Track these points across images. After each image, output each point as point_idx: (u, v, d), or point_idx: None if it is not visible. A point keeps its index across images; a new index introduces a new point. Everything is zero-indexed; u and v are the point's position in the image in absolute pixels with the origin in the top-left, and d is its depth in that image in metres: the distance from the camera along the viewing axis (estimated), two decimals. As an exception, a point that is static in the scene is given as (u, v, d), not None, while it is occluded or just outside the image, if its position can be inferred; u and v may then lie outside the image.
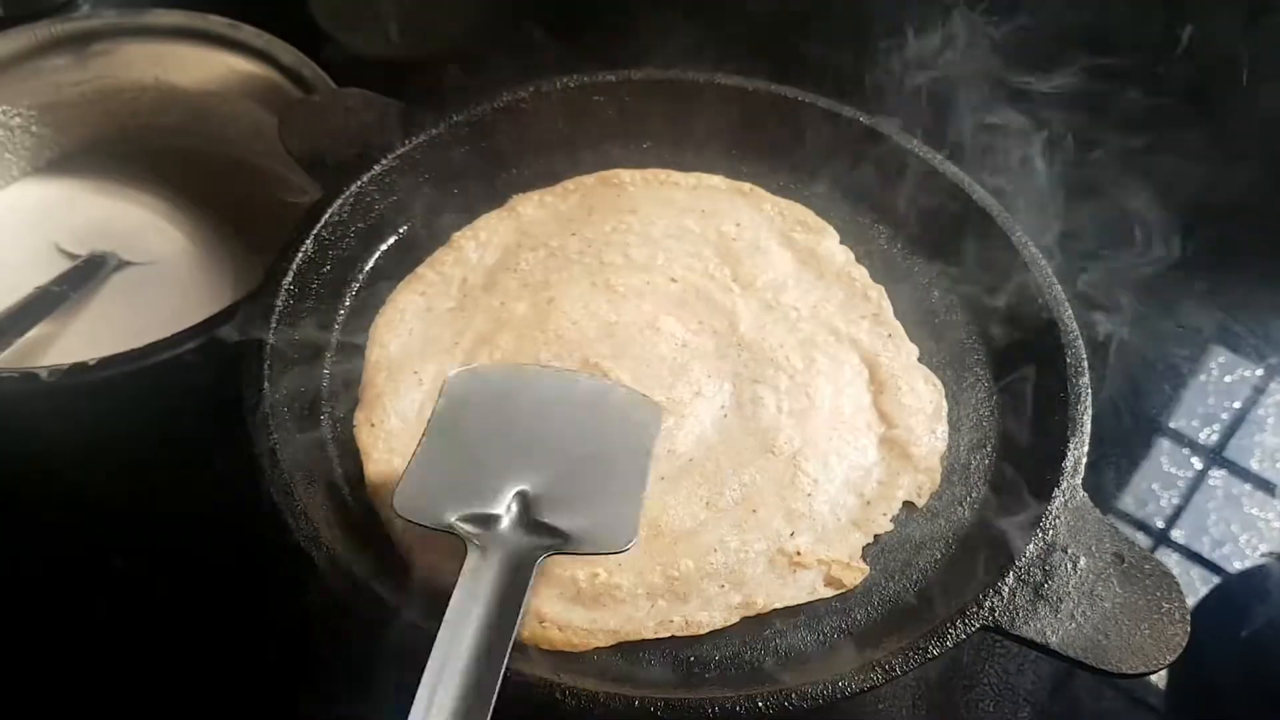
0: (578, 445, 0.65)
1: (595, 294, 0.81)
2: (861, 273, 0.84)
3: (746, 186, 0.89)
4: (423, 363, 0.77)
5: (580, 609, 0.66)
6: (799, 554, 0.68)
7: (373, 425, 0.74)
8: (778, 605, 0.67)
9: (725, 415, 0.75)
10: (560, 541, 0.60)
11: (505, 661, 0.54)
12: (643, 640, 0.65)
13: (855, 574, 0.68)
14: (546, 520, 0.61)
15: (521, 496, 0.62)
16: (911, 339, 0.80)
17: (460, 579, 0.57)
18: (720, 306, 0.81)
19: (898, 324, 0.81)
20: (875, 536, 0.70)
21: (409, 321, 0.80)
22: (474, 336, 0.79)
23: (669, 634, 0.65)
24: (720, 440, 0.74)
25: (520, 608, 0.56)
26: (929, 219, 0.86)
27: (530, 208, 0.87)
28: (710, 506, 0.70)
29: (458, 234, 0.85)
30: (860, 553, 0.70)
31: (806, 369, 0.77)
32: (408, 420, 0.74)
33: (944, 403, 0.77)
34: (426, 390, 0.75)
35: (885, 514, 0.71)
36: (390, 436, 0.73)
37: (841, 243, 0.86)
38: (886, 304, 0.82)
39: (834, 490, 0.72)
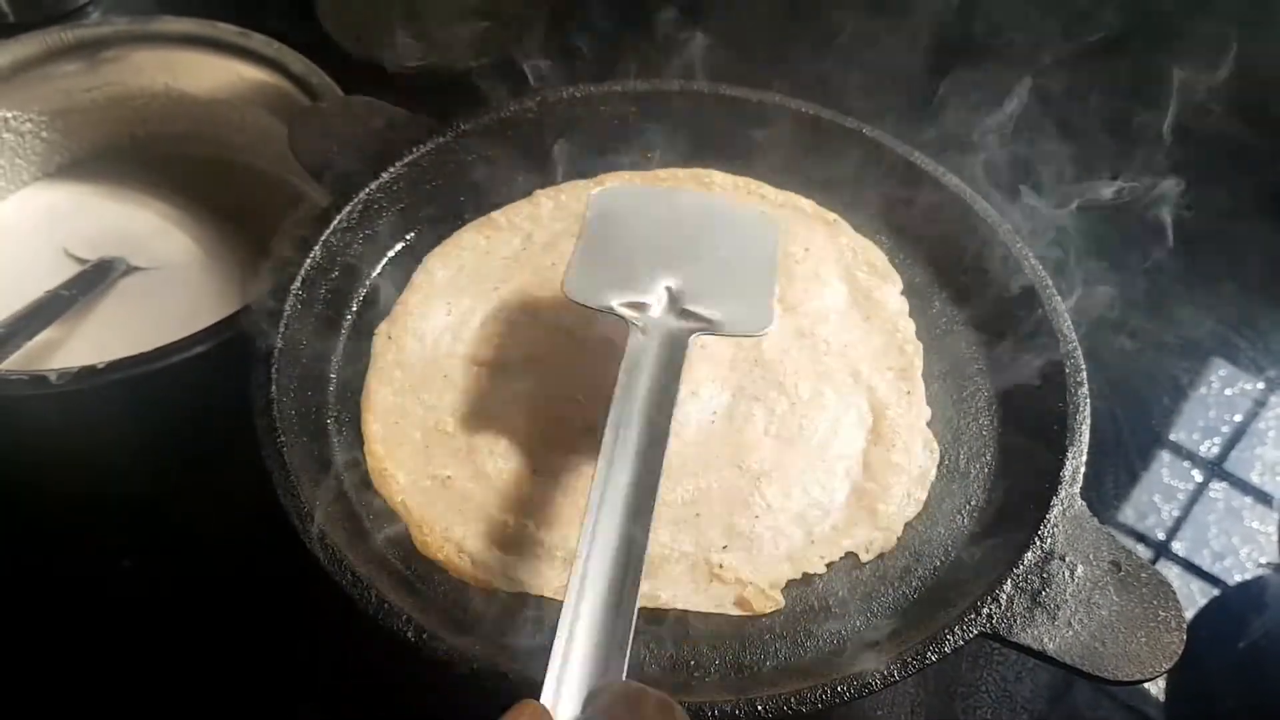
0: (712, 250, 0.74)
1: None
2: (909, 326, 0.83)
3: (832, 217, 0.89)
4: (458, 296, 0.81)
5: (497, 550, 0.69)
6: (721, 568, 0.69)
7: (389, 338, 0.79)
8: (681, 607, 0.67)
9: (713, 421, 0.75)
10: (707, 325, 0.69)
11: (669, 428, 0.62)
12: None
13: (768, 603, 0.68)
14: (693, 309, 0.69)
15: (668, 290, 0.70)
16: (935, 402, 0.79)
17: (625, 357, 0.66)
18: None
19: (921, 384, 0.79)
20: (804, 575, 0.70)
21: (464, 258, 0.84)
22: (514, 287, 0.82)
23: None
24: (696, 442, 0.74)
25: (678, 380, 0.64)
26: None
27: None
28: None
29: (541, 190, 0.88)
30: (783, 584, 0.69)
31: (810, 400, 0.77)
32: (424, 341, 0.78)
33: (934, 471, 0.75)
34: (451, 321, 0.80)
35: (823, 557, 0.70)
36: (401, 351, 0.78)
37: (902, 294, 0.85)
38: (919, 362, 0.80)
39: (783, 520, 0.71)
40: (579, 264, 0.72)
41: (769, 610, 0.68)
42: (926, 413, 0.78)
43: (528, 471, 0.72)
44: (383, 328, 0.79)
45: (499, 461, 0.72)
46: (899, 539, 0.72)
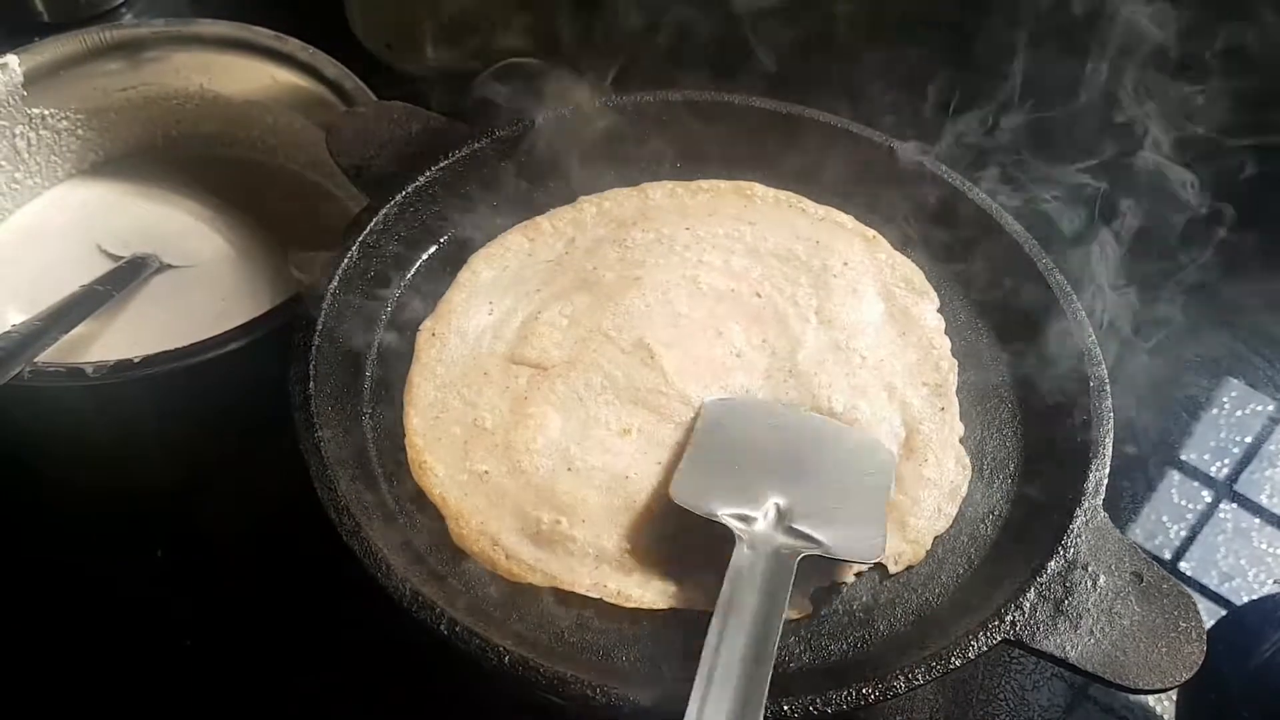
0: (824, 471, 0.73)
1: (679, 286, 0.83)
2: (944, 344, 0.83)
3: (871, 233, 0.89)
4: (501, 296, 0.83)
5: (530, 545, 0.70)
6: None
7: (433, 335, 0.80)
8: (707, 609, 0.67)
9: None
10: (814, 545, 0.67)
11: (775, 646, 0.60)
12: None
13: (795, 611, 0.69)
14: (800, 528, 0.68)
15: (777, 507, 0.69)
16: (965, 418, 0.80)
17: (730, 569, 0.64)
18: (790, 331, 0.82)
19: (956, 401, 0.80)
20: (833, 583, 0.70)
21: (508, 259, 0.86)
22: (556, 290, 0.83)
23: (599, 597, 0.68)
24: None
25: (785, 599, 0.63)
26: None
27: (659, 194, 0.91)
28: None
29: (584, 197, 0.89)
30: (811, 592, 0.70)
31: (844, 413, 0.77)
32: (466, 339, 0.80)
33: (965, 488, 0.76)
34: (493, 321, 0.82)
35: (853, 568, 0.71)
36: (443, 348, 0.80)
37: (939, 310, 0.85)
38: (954, 378, 0.81)
39: None
40: (687, 467, 0.72)
41: (800, 616, 0.69)
42: (960, 429, 0.78)
43: (563, 469, 0.73)
44: (427, 324, 0.81)
45: (535, 459, 0.73)
46: (927, 551, 0.72)
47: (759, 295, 0.84)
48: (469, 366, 0.78)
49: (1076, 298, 0.80)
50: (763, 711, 0.57)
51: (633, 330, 0.80)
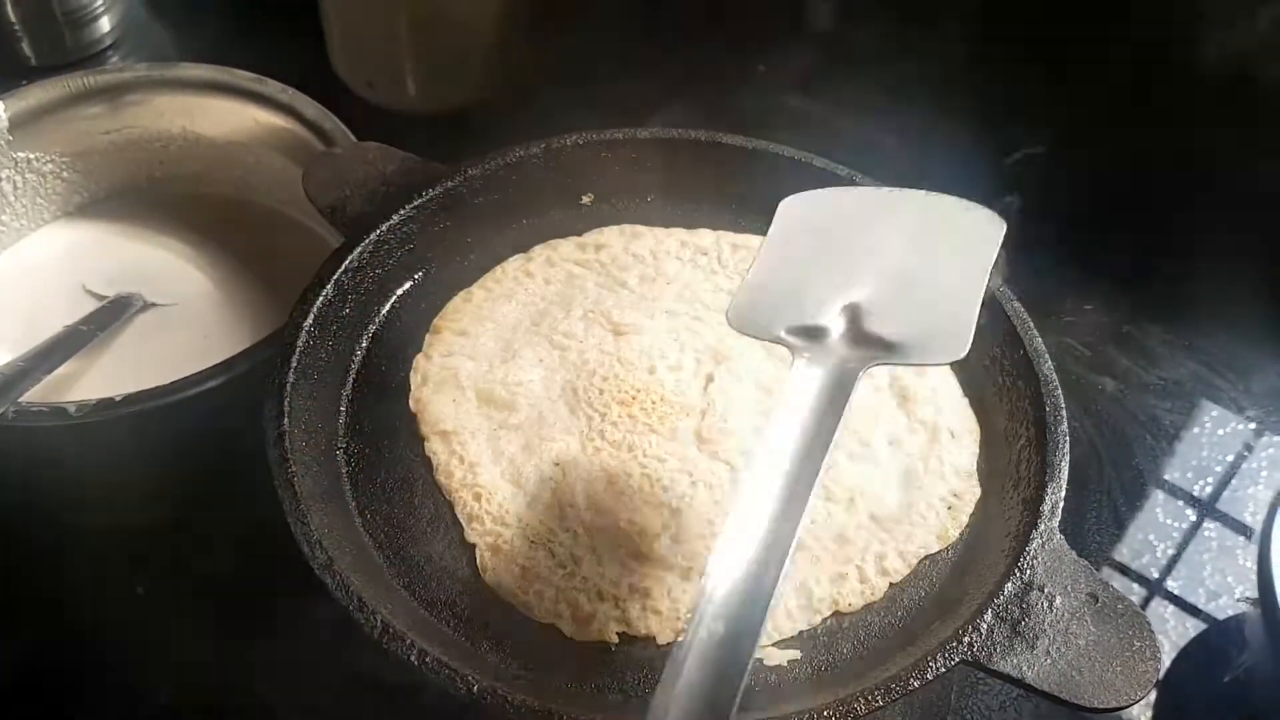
0: (911, 257, 0.63)
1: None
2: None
3: None
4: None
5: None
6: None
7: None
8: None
9: None
10: (887, 352, 0.59)
11: (823, 468, 0.55)
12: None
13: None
14: (875, 331, 0.60)
15: (851, 309, 0.61)
16: None
17: (784, 390, 0.58)
18: None
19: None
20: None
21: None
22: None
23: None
24: None
25: (840, 418, 0.56)
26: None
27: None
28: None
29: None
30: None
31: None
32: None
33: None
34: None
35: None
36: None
37: None
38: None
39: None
40: (747, 288, 0.64)
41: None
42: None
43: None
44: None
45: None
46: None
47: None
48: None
49: (1033, 324, 0.82)
50: (797, 533, 0.53)
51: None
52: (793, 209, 0.67)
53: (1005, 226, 0.64)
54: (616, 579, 0.71)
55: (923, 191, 0.67)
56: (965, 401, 0.82)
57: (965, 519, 0.76)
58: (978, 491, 0.77)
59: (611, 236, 0.92)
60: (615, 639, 0.69)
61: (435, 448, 0.78)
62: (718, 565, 0.52)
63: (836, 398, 0.57)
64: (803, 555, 0.73)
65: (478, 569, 0.72)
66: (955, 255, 0.63)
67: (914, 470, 0.78)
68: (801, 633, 0.71)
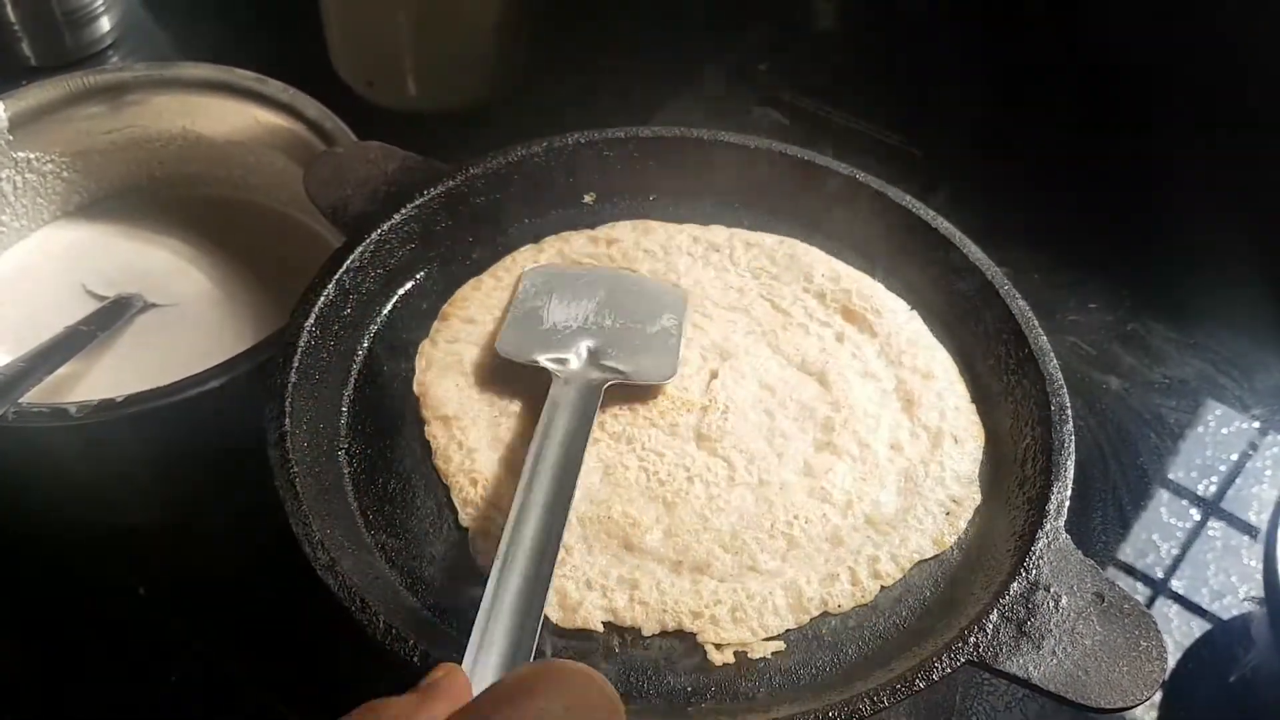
0: (628, 316, 0.84)
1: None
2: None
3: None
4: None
5: None
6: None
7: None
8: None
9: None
10: (620, 374, 0.78)
11: (582, 462, 0.70)
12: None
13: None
14: (608, 363, 0.79)
15: (588, 349, 0.80)
16: None
17: (547, 402, 0.75)
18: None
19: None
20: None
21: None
22: None
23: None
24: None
25: (592, 421, 0.73)
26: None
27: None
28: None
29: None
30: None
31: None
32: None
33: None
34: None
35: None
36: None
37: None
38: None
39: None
40: (510, 326, 0.83)
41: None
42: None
43: None
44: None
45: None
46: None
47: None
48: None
49: (1038, 323, 0.81)
50: (570, 505, 0.67)
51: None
52: (535, 276, 0.87)
53: (687, 294, 0.86)
54: (606, 569, 0.71)
55: (630, 274, 0.88)
56: (972, 407, 0.82)
57: (963, 525, 0.76)
58: (978, 498, 0.77)
59: (624, 231, 0.92)
60: (600, 628, 0.69)
61: (435, 431, 0.78)
62: (501, 549, 0.65)
63: (589, 405, 0.75)
64: (795, 554, 0.73)
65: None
66: (659, 314, 0.84)
67: (913, 474, 0.77)
68: (789, 631, 0.70)
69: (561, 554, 0.71)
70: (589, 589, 0.70)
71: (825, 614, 0.71)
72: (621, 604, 0.70)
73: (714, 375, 0.81)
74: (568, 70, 1.21)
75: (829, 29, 1.22)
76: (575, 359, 0.79)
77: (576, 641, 0.69)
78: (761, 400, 0.80)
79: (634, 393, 0.79)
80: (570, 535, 0.72)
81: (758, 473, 0.76)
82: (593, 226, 0.93)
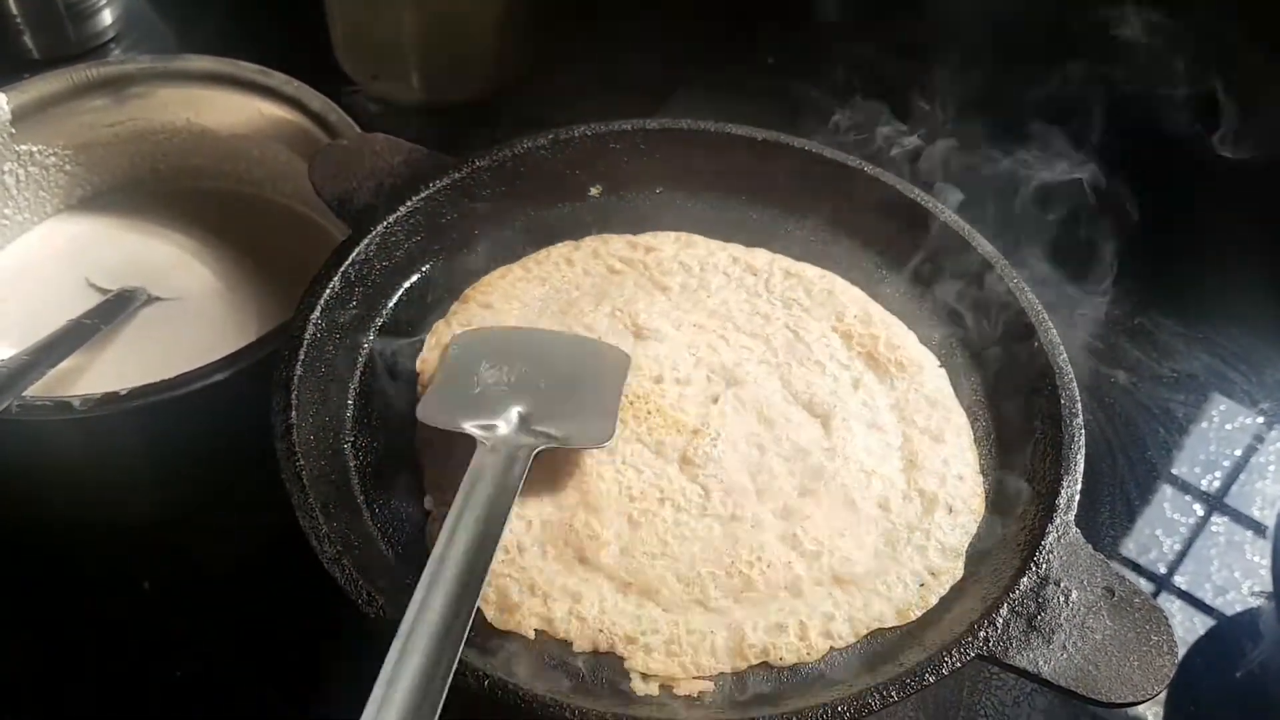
0: (564, 378, 0.78)
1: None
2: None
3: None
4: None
5: None
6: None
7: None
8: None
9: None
10: (551, 440, 0.73)
11: (505, 526, 0.67)
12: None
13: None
14: (540, 428, 0.74)
15: (519, 414, 0.75)
16: None
17: (469, 471, 0.70)
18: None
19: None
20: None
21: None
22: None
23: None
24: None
25: (516, 489, 0.69)
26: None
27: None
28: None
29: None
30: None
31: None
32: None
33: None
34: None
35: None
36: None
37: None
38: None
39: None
40: (434, 391, 0.78)
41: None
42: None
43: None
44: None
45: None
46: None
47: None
48: None
49: (1049, 317, 0.81)
50: (484, 581, 0.63)
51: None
52: (466, 339, 0.82)
53: (630, 358, 0.81)
54: (553, 576, 0.70)
55: (571, 335, 0.83)
56: (979, 479, 0.77)
57: (934, 600, 0.71)
58: (959, 574, 0.72)
59: (665, 241, 0.91)
60: (531, 635, 0.68)
61: None
62: (403, 628, 0.60)
63: (514, 473, 0.70)
64: (749, 596, 0.70)
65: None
66: (598, 376, 0.79)
67: (895, 538, 0.73)
68: (722, 674, 0.68)
69: (513, 553, 0.71)
70: (531, 594, 0.69)
71: (765, 664, 0.68)
72: (559, 615, 0.68)
73: (715, 400, 0.80)
74: (573, 63, 1.20)
75: (834, 19, 1.22)
76: (504, 424, 0.74)
77: (506, 642, 0.68)
78: (756, 434, 0.78)
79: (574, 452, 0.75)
80: (527, 536, 0.72)
81: (732, 506, 0.73)
82: (599, 219, 0.93)
